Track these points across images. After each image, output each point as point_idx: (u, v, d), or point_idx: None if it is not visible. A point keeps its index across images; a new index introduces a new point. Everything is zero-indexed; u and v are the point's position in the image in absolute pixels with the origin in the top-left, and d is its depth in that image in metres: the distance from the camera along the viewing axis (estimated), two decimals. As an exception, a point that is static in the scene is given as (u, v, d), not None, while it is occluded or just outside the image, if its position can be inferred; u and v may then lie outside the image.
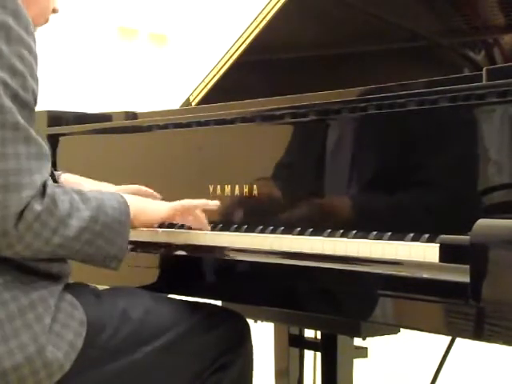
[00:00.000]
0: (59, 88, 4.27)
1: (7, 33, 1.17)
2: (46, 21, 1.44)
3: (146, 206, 1.44)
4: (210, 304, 1.46)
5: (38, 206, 1.17)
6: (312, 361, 1.97)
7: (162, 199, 1.57)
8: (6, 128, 1.16)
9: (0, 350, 1.18)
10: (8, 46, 1.17)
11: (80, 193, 1.27)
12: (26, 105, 1.19)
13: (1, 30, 1.16)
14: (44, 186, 1.19)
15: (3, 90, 1.16)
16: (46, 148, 1.23)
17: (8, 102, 1.16)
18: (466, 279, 1.03)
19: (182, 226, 1.60)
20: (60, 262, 1.30)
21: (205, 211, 1.52)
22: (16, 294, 1.21)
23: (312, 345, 1.86)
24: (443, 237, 1.14)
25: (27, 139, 1.18)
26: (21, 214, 1.16)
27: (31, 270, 1.25)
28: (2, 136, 1.16)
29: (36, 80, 1.23)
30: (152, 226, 1.51)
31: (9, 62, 1.17)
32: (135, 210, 1.37)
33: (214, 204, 1.50)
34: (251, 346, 1.46)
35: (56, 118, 2.01)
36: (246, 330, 1.46)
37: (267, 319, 1.77)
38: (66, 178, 1.62)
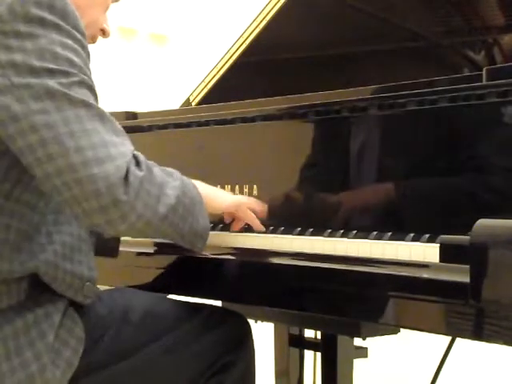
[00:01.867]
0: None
1: (58, 30, 1.15)
2: (93, 40, 1.42)
3: (210, 194, 1.42)
4: (210, 305, 1.46)
5: (138, 172, 1.16)
6: (312, 361, 1.97)
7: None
8: (77, 106, 1.14)
9: (3, 368, 1.16)
10: (61, 41, 1.15)
11: (160, 167, 1.25)
12: (90, 88, 1.18)
13: (51, 28, 1.14)
14: (134, 156, 1.17)
15: (67, 80, 1.14)
16: (119, 125, 1.20)
17: (73, 87, 1.14)
18: (466, 279, 1.03)
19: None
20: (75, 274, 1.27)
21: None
22: (22, 310, 1.20)
23: (312, 345, 1.86)
24: (443, 237, 1.14)
25: (101, 116, 1.16)
26: (126, 180, 1.13)
27: (42, 284, 1.23)
28: (75, 114, 1.13)
29: (90, 75, 1.21)
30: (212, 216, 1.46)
31: (65, 56, 1.15)
32: (203, 195, 1.35)
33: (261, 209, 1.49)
34: (253, 347, 1.46)
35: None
36: (248, 330, 1.46)
37: (267, 319, 1.77)
38: None
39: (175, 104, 2.10)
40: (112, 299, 1.38)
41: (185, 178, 1.30)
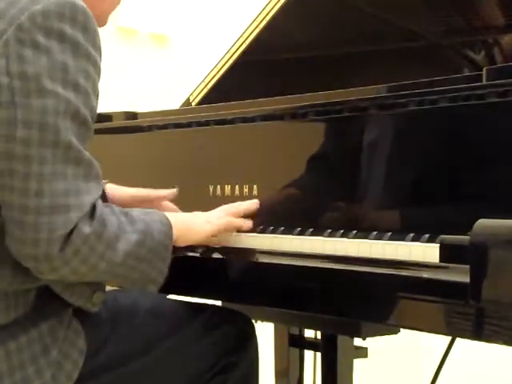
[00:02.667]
0: (59, 88, 4.26)
1: (75, 48, 1.14)
2: (105, 23, 1.39)
3: (190, 226, 1.38)
4: (213, 305, 1.46)
5: (86, 229, 1.13)
6: (312, 361, 1.97)
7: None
8: (58, 147, 1.12)
9: (5, 383, 1.16)
10: (75, 62, 1.14)
11: (126, 214, 1.22)
12: (83, 123, 1.16)
13: (69, 45, 1.14)
14: (93, 207, 1.15)
15: (65, 109, 1.12)
16: (98, 169, 1.18)
17: (65, 122, 1.12)
18: (466, 279, 1.03)
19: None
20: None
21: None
22: (26, 325, 1.19)
23: (312, 345, 1.86)
24: (443, 237, 1.14)
25: (77, 160, 1.14)
26: (68, 238, 1.11)
27: (48, 294, 1.23)
28: (53, 155, 1.11)
29: (97, 96, 1.20)
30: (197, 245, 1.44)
31: (74, 79, 1.14)
32: (179, 231, 1.32)
33: (255, 204, 1.47)
34: (256, 347, 1.45)
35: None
36: (251, 330, 1.46)
37: (267, 319, 1.77)
38: (109, 186, 1.54)
39: (175, 104, 2.10)
40: (114, 300, 1.38)
41: (154, 222, 1.26)
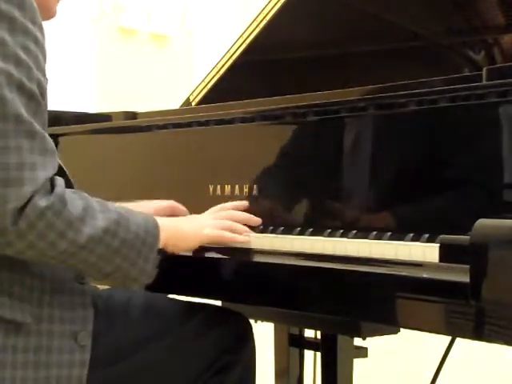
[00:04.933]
0: (59, 88, 4.27)
1: (11, 24, 1.13)
2: (53, 14, 1.36)
3: (181, 232, 1.36)
4: (210, 304, 1.46)
5: (41, 203, 1.10)
6: (312, 361, 1.97)
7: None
8: (7, 120, 1.11)
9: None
10: (12, 37, 1.12)
11: (101, 203, 1.20)
12: (31, 96, 1.14)
13: (4, 21, 1.12)
14: (51, 183, 1.13)
15: (7, 81, 1.11)
16: (52, 144, 1.16)
17: (10, 94, 1.11)
18: (466, 279, 1.03)
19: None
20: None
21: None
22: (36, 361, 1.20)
23: (312, 345, 1.86)
24: (443, 237, 1.14)
25: (31, 133, 1.12)
26: (21, 210, 1.10)
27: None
28: (3, 128, 1.10)
29: (43, 72, 1.18)
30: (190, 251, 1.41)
31: (13, 53, 1.12)
32: (170, 235, 1.31)
33: (255, 220, 1.45)
34: (254, 347, 1.45)
35: (56, 118, 2.01)
36: (248, 330, 1.45)
37: (267, 319, 1.77)
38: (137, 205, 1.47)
39: (175, 104, 2.10)
40: (112, 298, 1.38)
41: (134, 216, 1.24)
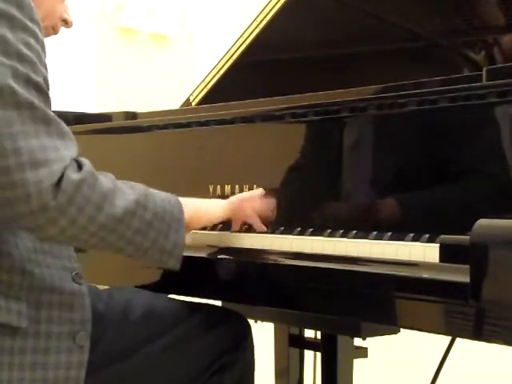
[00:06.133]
0: (59, 88, 4.28)
1: (11, 22, 1.14)
2: (55, 31, 1.40)
3: (201, 206, 1.40)
4: (210, 304, 1.46)
5: (75, 176, 1.12)
6: (312, 361, 1.97)
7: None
8: (22, 108, 1.12)
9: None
10: (13, 34, 1.14)
11: (124, 181, 1.23)
12: (39, 88, 1.15)
13: (4, 19, 1.13)
14: (77, 162, 1.15)
15: (13, 76, 1.12)
16: (67, 128, 1.18)
17: (19, 85, 1.12)
18: (466, 279, 1.03)
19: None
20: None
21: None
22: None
23: (312, 345, 1.86)
24: (443, 237, 1.14)
25: (46, 119, 1.14)
26: (58, 186, 1.11)
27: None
28: (19, 115, 1.11)
29: (45, 67, 1.19)
30: (209, 226, 1.46)
31: (15, 49, 1.13)
32: (191, 212, 1.33)
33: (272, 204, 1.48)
34: (253, 347, 1.45)
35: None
36: (247, 330, 1.45)
37: (267, 319, 1.77)
38: None
39: (175, 104, 2.10)
40: (112, 298, 1.38)
41: (157, 192, 1.27)
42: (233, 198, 1.47)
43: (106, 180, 1.18)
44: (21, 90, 1.13)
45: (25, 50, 1.15)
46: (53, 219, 1.12)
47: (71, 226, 1.14)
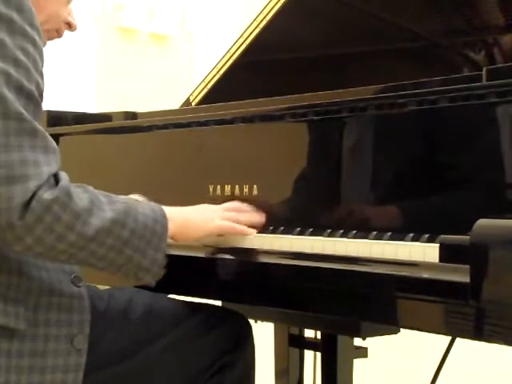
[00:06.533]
0: (59, 88, 4.28)
1: (10, 26, 1.13)
2: (59, 34, 1.39)
3: (190, 221, 1.36)
4: (210, 304, 1.46)
5: (47, 196, 1.11)
6: (312, 361, 1.97)
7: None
8: (8, 118, 1.11)
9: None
10: (11, 39, 1.13)
11: (107, 195, 1.21)
12: (31, 98, 1.14)
13: (3, 23, 1.13)
14: (55, 177, 1.14)
15: (5, 81, 1.11)
16: (53, 142, 1.17)
17: (11, 94, 1.11)
18: (466, 279, 1.03)
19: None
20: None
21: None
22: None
23: (312, 345, 1.86)
24: (443, 237, 1.14)
25: (33, 131, 1.13)
26: (27, 205, 1.10)
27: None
28: (4, 126, 1.10)
29: (41, 75, 1.18)
30: (198, 240, 1.42)
31: (12, 54, 1.13)
32: (179, 224, 1.31)
33: (260, 220, 1.45)
34: (253, 347, 1.45)
35: (56, 118, 2.01)
36: (248, 330, 1.45)
37: (267, 319, 1.77)
38: None
39: (175, 104, 2.10)
40: (112, 298, 1.38)
41: (141, 207, 1.24)
42: (217, 222, 1.41)
43: (82, 196, 1.16)
44: (12, 98, 1.11)
45: (21, 56, 1.14)
46: (18, 237, 1.12)
47: (38, 244, 1.13)
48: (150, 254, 1.24)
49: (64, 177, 1.15)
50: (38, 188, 1.11)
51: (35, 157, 1.12)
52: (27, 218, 1.10)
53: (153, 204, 1.29)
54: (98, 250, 1.18)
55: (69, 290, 1.25)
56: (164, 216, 1.27)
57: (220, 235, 1.46)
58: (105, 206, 1.18)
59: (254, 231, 1.42)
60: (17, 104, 1.12)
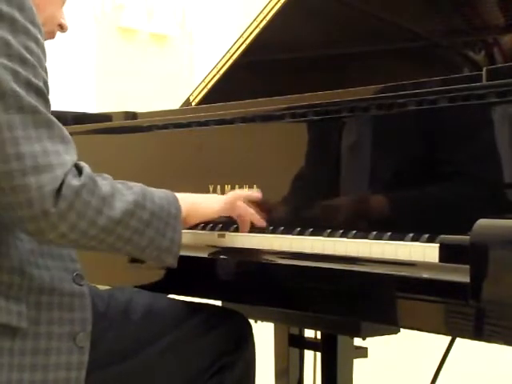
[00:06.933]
0: (59, 88, 4.28)
1: (12, 25, 1.14)
2: (52, 35, 1.41)
3: (198, 201, 1.41)
4: (210, 304, 1.46)
5: (75, 182, 1.13)
6: (312, 361, 1.97)
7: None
8: (24, 112, 1.13)
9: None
10: (14, 38, 1.14)
11: (122, 182, 1.25)
12: (40, 93, 1.16)
13: (6, 22, 1.14)
14: (77, 166, 1.16)
15: (14, 79, 1.13)
16: (67, 132, 1.19)
17: (21, 89, 1.13)
18: (466, 279, 1.03)
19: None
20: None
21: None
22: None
23: (312, 345, 1.86)
24: (443, 237, 1.14)
25: (49, 123, 1.15)
26: (58, 192, 1.12)
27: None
28: (21, 119, 1.12)
29: (45, 71, 1.20)
30: (207, 221, 1.48)
31: (18, 53, 1.14)
32: (188, 207, 1.35)
33: (257, 195, 1.48)
34: (253, 347, 1.45)
35: (56, 118, 2.01)
36: (248, 330, 1.45)
37: (267, 319, 1.77)
38: None
39: (175, 104, 2.10)
40: (112, 298, 1.38)
41: (155, 190, 1.29)
42: (229, 195, 1.47)
43: (104, 183, 1.19)
44: (23, 93, 1.13)
45: (26, 54, 1.15)
46: (54, 224, 1.13)
47: (71, 230, 1.15)
48: (168, 234, 1.28)
49: (85, 166, 1.18)
50: (66, 175, 1.13)
51: (55, 147, 1.14)
52: (60, 204, 1.12)
53: (163, 190, 1.32)
54: (124, 233, 1.21)
55: (70, 288, 1.26)
56: (175, 198, 1.32)
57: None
58: (124, 190, 1.22)
59: (252, 211, 1.45)
60: (29, 98, 1.14)
